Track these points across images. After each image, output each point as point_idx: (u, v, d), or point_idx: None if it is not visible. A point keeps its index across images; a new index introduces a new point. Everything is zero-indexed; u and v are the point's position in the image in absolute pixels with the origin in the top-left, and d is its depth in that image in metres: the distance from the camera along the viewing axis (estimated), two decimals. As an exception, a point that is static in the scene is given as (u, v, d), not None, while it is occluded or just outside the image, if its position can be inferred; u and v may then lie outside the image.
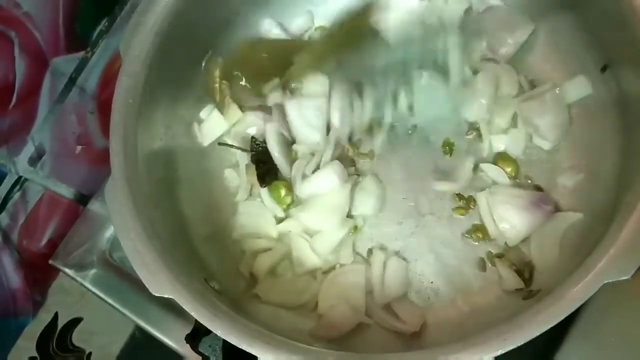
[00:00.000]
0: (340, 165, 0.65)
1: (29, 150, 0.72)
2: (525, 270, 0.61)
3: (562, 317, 0.47)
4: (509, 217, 0.62)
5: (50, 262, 0.77)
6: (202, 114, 0.70)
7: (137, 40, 0.60)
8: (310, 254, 0.64)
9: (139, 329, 0.75)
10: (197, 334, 0.64)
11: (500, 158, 0.66)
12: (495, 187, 0.65)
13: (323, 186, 0.64)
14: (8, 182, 0.72)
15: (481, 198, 0.64)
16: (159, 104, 0.63)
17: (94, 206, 0.78)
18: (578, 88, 0.64)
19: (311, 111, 0.67)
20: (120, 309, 0.74)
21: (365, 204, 0.66)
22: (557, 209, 0.62)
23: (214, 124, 0.70)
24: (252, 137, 0.68)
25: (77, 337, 0.80)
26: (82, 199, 0.82)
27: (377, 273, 0.63)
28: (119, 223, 0.55)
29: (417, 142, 0.68)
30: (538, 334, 0.46)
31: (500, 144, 0.66)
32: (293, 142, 0.68)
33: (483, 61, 0.68)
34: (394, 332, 0.61)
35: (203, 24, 0.67)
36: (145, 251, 0.53)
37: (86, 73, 0.77)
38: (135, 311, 0.73)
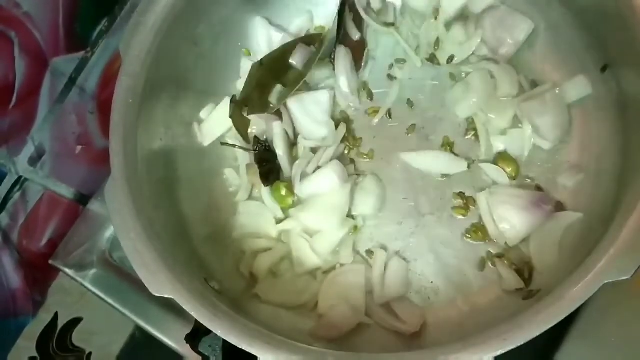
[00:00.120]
0: (340, 165, 0.65)
1: (29, 150, 0.72)
2: (525, 270, 0.61)
3: (562, 317, 0.47)
4: (509, 217, 0.62)
5: (50, 262, 0.77)
6: (202, 113, 0.70)
7: (137, 40, 0.60)
8: (310, 254, 0.64)
9: (139, 329, 0.75)
10: (197, 334, 0.64)
11: (500, 158, 0.66)
12: (495, 187, 0.65)
13: (323, 186, 0.64)
14: (8, 182, 0.72)
15: (481, 198, 0.64)
16: (159, 104, 0.63)
17: (94, 206, 0.79)
18: (578, 88, 0.64)
19: (314, 106, 0.67)
20: (120, 309, 0.74)
21: (366, 204, 0.66)
22: (557, 209, 0.62)
23: (214, 124, 0.70)
24: (255, 137, 0.68)
25: (77, 337, 0.79)
26: (82, 199, 0.82)
27: (377, 273, 0.63)
28: (119, 223, 0.55)
29: (416, 142, 0.68)
30: (538, 334, 0.46)
31: (500, 144, 0.66)
32: (295, 142, 0.68)
33: (483, 61, 0.68)
34: (394, 332, 0.60)
35: (203, 24, 0.67)
36: (145, 251, 0.53)
37: (86, 73, 0.77)
38: (135, 311, 0.73)
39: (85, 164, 0.81)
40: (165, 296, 0.52)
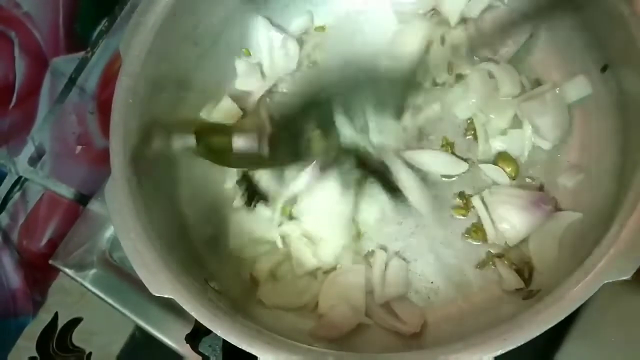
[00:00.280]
0: (339, 176, 0.64)
1: (29, 150, 0.72)
2: (525, 270, 0.61)
3: (562, 317, 0.47)
4: (509, 217, 0.62)
5: (50, 262, 0.77)
6: (202, 113, 0.70)
7: (137, 40, 0.60)
8: (310, 256, 0.64)
9: (139, 329, 0.75)
10: (197, 334, 0.64)
11: (500, 158, 0.66)
12: (495, 187, 0.65)
13: (324, 198, 0.64)
14: (8, 182, 0.72)
15: (476, 200, 0.64)
16: (159, 104, 0.63)
17: (94, 206, 0.79)
18: (578, 88, 0.64)
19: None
20: (120, 309, 0.74)
21: (370, 212, 0.65)
22: (557, 208, 0.62)
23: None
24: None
25: (77, 337, 0.79)
26: (82, 199, 0.82)
27: (377, 273, 0.63)
28: (119, 223, 0.55)
29: (416, 142, 0.68)
30: (538, 334, 0.46)
31: (500, 144, 0.66)
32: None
33: (483, 61, 0.68)
34: (394, 332, 0.60)
35: (203, 24, 0.67)
36: (145, 251, 0.53)
37: (86, 73, 0.77)
38: (135, 311, 0.73)
39: (85, 164, 0.81)
40: (165, 296, 0.52)
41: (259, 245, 0.66)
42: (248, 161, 0.63)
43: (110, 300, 0.74)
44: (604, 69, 0.62)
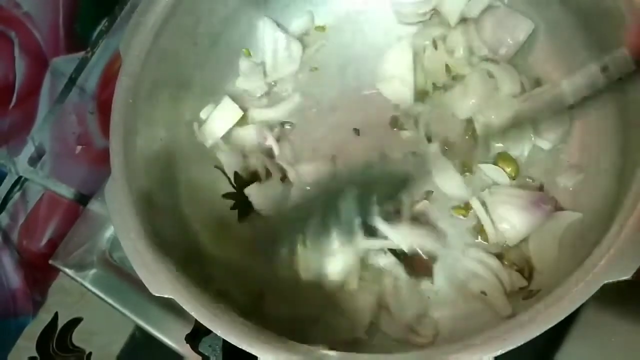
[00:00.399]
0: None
1: (29, 150, 0.72)
2: (525, 270, 0.61)
3: (562, 317, 0.47)
4: (509, 217, 0.62)
5: (50, 262, 0.77)
6: (202, 114, 0.70)
7: (137, 40, 0.60)
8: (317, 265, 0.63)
9: (139, 329, 0.75)
10: (197, 334, 0.64)
11: (500, 158, 0.66)
12: (495, 187, 0.65)
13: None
14: (8, 182, 0.72)
15: (481, 198, 0.64)
16: (159, 104, 0.63)
17: (94, 206, 0.79)
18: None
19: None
20: (120, 309, 0.74)
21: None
22: (557, 208, 0.62)
23: (215, 124, 0.70)
24: (236, 172, 0.68)
25: (77, 337, 0.80)
26: (82, 199, 0.82)
27: (390, 293, 0.62)
28: (119, 223, 0.55)
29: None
30: (538, 334, 0.46)
31: (500, 144, 0.66)
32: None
33: (483, 61, 0.68)
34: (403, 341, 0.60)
35: (203, 24, 0.67)
36: (145, 251, 0.53)
37: (86, 73, 0.77)
38: (135, 311, 0.73)
39: (85, 164, 0.81)
40: (165, 296, 0.52)
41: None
42: None
43: (110, 300, 0.74)
44: (604, 69, 0.62)
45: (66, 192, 0.81)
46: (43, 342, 0.80)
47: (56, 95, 0.74)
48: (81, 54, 0.75)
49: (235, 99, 0.71)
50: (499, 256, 0.63)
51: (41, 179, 0.76)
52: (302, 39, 0.74)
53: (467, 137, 0.68)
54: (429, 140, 0.68)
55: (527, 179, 0.65)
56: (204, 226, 0.66)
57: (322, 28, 0.74)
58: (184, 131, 0.68)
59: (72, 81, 0.75)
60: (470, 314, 0.61)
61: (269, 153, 0.70)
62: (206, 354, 0.63)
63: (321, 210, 0.63)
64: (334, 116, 0.71)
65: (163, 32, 0.61)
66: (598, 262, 0.48)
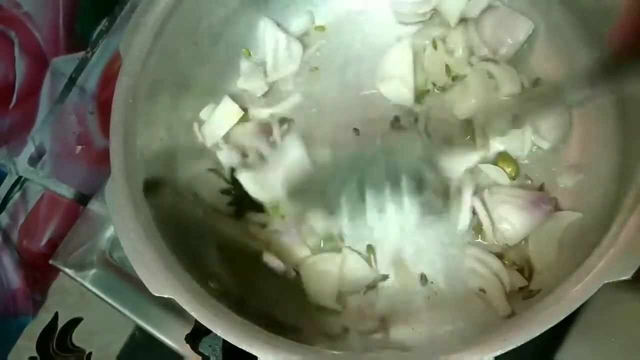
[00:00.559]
0: None
1: (29, 150, 0.72)
2: (525, 270, 0.61)
3: (562, 317, 0.47)
4: (509, 217, 0.62)
5: (50, 262, 0.77)
6: (203, 114, 0.70)
7: (137, 40, 0.60)
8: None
9: (139, 329, 0.75)
10: (197, 334, 0.64)
11: (500, 158, 0.66)
12: (495, 187, 0.65)
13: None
14: (8, 182, 0.72)
15: (481, 198, 0.64)
16: (159, 104, 0.63)
17: (94, 206, 0.79)
18: (578, 88, 0.64)
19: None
20: (120, 309, 0.74)
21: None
22: (557, 208, 0.62)
23: (216, 124, 0.70)
24: (232, 169, 0.68)
25: (77, 337, 0.80)
26: (82, 199, 0.82)
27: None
28: (119, 223, 0.55)
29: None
30: (538, 334, 0.46)
31: (500, 144, 0.66)
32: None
33: (483, 61, 0.68)
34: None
35: (203, 24, 0.67)
36: (145, 251, 0.53)
37: (86, 73, 0.77)
38: (135, 311, 0.73)
39: (85, 164, 0.81)
40: (165, 296, 0.52)
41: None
42: None
43: (110, 300, 0.74)
44: (603, 68, 0.62)
45: (66, 192, 0.81)
46: (43, 342, 0.80)
47: (56, 95, 0.74)
48: (81, 54, 0.75)
49: (235, 98, 0.71)
50: (499, 256, 0.63)
51: (41, 179, 0.76)
52: (302, 39, 0.74)
53: (467, 137, 0.68)
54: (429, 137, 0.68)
55: (527, 179, 0.65)
56: (203, 226, 0.66)
57: (322, 28, 0.74)
58: (184, 131, 0.68)
59: (72, 81, 0.75)
60: (470, 313, 0.61)
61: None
62: (206, 354, 0.63)
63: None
64: (334, 116, 0.71)
65: (163, 32, 0.61)
66: (598, 262, 0.48)
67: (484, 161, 0.66)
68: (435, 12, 0.71)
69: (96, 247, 0.77)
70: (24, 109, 0.70)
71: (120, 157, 0.57)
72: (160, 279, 0.52)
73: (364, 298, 0.64)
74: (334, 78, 0.72)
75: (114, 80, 0.60)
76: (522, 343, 0.46)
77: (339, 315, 0.63)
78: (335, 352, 0.51)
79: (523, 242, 0.62)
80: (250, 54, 0.73)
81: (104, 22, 0.77)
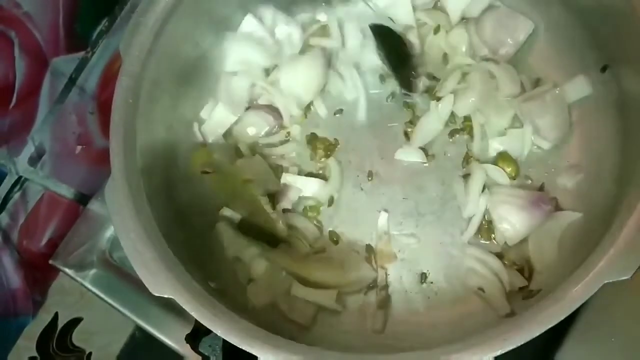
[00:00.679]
0: None
1: (29, 150, 0.72)
2: (525, 269, 0.61)
3: (562, 317, 0.47)
4: (509, 217, 0.62)
5: (50, 262, 0.77)
6: (203, 113, 0.70)
7: (137, 40, 0.60)
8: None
9: (139, 329, 0.75)
10: (197, 334, 0.64)
11: (500, 158, 0.66)
12: (495, 187, 0.65)
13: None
14: (8, 182, 0.72)
15: (481, 199, 0.64)
16: (159, 104, 0.63)
17: (94, 206, 0.79)
18: (578, 88, 0.64)
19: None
20: (120, 309, 0.74)
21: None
22: (557, 208, 0.62)
23: (216, 123, 0.70)
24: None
25: (77, 337, 0.80)
26: (82, 199, 0.82)
27: None
28: (119, 223, 0.55)
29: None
30: (538, 334, 0.46)
31: (500, 144, 0.66)
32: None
33: (483, 61, 0.68)
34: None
35: (203, 24, 0.67)
36: (145, 251, 0.53)
37: (86, 73, 0.77)
38: (135, 311, 0.73)
39: (85, 164, 0.81)
40: (165, 296, 0.52)
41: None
42: None
43: (110, 300, 0.74)
44: (603, 69, 0.62)
45: (66, 192, 0.81)
46: (43, 342, 0.80)
47: (56, 95, 0.74)
48: (81, 54, 0.75)
49: (235, 96, 0.70)
50: (499, 256, 0.63)
51: (41, 179, 0.76)
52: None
53: (466, 136, 0.68)
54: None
55: (527, 179, 0.65)
56: (203, 226, 0.66)
57: (323, 28, 0.74)
58: (184, 131, 0.68)
59: (72, 81, 0.75)
60: (470, 313, 0.61)
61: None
62: (206, 354, 0.63)
63: None
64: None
65: (163, 32, 0.61)
66: (598, 262, 0.48)
67: (484, 161, 0.66)
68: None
69: (96, 247, 0.77)
70: (24, 109, 0.70)
71: (120, 157, 0.57)
72: (160, 279, 0.52)
73: (364, 298, 0.64)
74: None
75: (114, 80, 0.60)
76: (522, 343, 0.46)
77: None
78: (335, 352, 0.51)
79: (523, 242, 0.62)
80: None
81: (104, 22, 0.77)
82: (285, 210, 0.66)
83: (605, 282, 0.47)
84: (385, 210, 0.66)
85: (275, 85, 0.70)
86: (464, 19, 0.70)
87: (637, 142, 0.56)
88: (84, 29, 0.75)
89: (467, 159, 0.67)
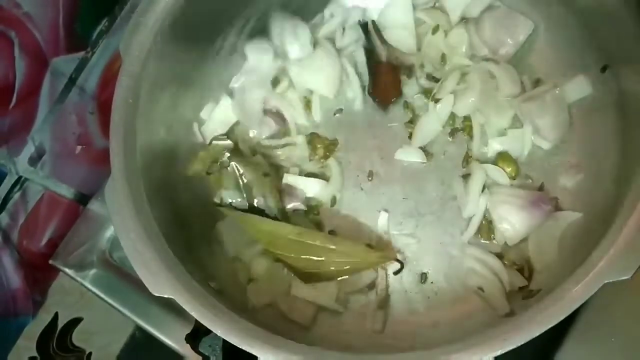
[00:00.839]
0: None
1: (29, 150, 0.72)
2: (525, 269, 0.61)
3: (562, 317, 0.47)
4: (509, 217, 0.62)
5: (50, 262, 0.77)
6: (203, 113, 0.70)
7: (137, 40, 0.60)
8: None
9: (139, 329, 0.75)
10: (197, 334, 0.64)
11: (500, 158, 0.66)
12: (495, 187, 0.65)
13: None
14: (8, 182, 0.72)
15: (481, 198, 0.64)
16: (159, 104, 0.63)
17: (94, 206, 0.78)
18: (578, 88, 0.64)
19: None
20: (120, 309, 0.74)
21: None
22: (557, 208, 0.63)
23: (215, 123, 0.70)
24: None
25: (77, 337, 0.80)
26: (82, 199, 0.82)
27: None
28: (119, 223, 0.55)
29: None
30: (538, 334, 0.46)
31: (500, 144, 0.66)
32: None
33: (483, 61, 0.68)
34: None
35: (203, 23, 0.67)
36: (145, 251, 0.53)
37: (86, 73, 0.77)
38: (135, 311, 0.73)
39: (85, 164, 0.81)
40: (165, 296, 0.52)
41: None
42: None
43: (110, 300, 0.74)
44: (604, 69, 0.62)
45: (66, 192, 0.81)
46: (43, 342, 0.80)
47: (56, 95, 0.74)
48: (81, 54, 0.75)
49: (249, 111, 0.70)
50: (499, 256, 0.63)
51: (41, 179, 0.76)
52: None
53: (466, 136, 0.68)
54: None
55: (527, 179, 0.65)
56: (203, 226, 0.66)
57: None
58: (184, 131, 0.68)
59: (72, 81, 0.75)
60: (470, 313, 0.61)
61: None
62: (206, 354, 0.63)
63: None
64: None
65: (163, 32, 0.61)
66: (598, 262, 0.48)
67: (484, 161, 0.66)
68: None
69: (96, 247, 0.77)
70: (24, 109, 0.70)
71: (120, 157, 0.57)
72: (160, 279, 0.52)
73: (364, 298, 0.64)
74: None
75: (114, 80, 0.60)
76: (522, 343, 0.46)
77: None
78: (335, 352, 0.51)
79: (523, 242, 0.62)
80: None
81: (104, 22, 0.77)
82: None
83: (605, 282, 0.47)
84: (386, 210, 0.66)
85: (285, 94, 0.70)
86: (464, 19, 0.70)
87: (637, 142, 0.56)
88: (84, 29, 0.75)
89: (467, 159, 0.67)
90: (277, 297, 0.63)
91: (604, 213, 0.55)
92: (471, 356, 0.47)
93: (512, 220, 0.62)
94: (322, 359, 0.50)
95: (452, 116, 0.68)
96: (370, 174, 0.68)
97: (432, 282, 0.64)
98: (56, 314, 0.81)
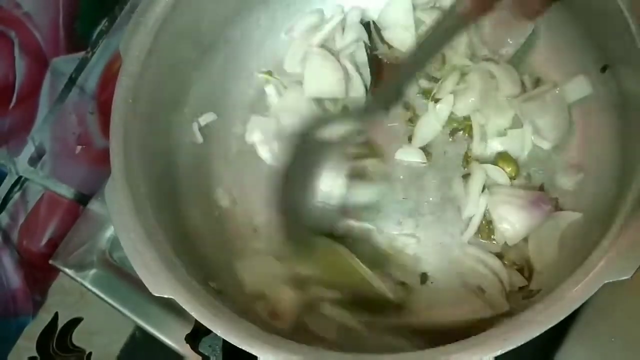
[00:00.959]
0: None
1: (29, 150, 0.72)
2: (525, 269, 0.61)
3: (562, 317, 0.47)
4: (508, 217, 0.62)
5: (50, 262, 0.77)
6: (202, 120, 0.70)
7: (137, 40, 0.60)
8: None
9: (139, 329, 0.75)
10: (197, 334, 0.64)
11: (500, 158, 0.66)
12: (495, 187, 0.65)
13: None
14: (8, 182, 0.72)
15: (481, 199, 0.64)
16: (159, 104, 0.63)
17: (94, 206, 0.78)
18: (578, 88, 0.64)
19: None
20: (120, 309, 0.74)
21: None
22: (557, 208, 0.63)
23: (218, 124, 0.70)
24: None
25: (77, 337, 0.80)
26: (82, 199, 0.82)
27: None
28: (119, 223, 0.55)
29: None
30: (538, 334, 0.46)
31: (499, 144, 0.66)
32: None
33: (483, 61, 0.68)
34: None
35: (204, 24, 0.67)
36: (145, 251, 0.53)
37: (86, 73, 0.77)
38: (135, 311, 0.73)
39: (85, 164, 0.81)
40: (166, 296, 0.52)
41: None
42: None
43: (110, 300, 0.74)
44: (604, 69, 0.62)
45: (66, 192, 0.81)
46: (43, 342, 0.80)
47: (56, 95, 0.74)
48: (81, 54, 0.75)
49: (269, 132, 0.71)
50: (499, 256, 0.63)
51: (41, 179, 0.76)
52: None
53: (466, 136, 0.68)
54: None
55: (527, 179, 0.65)
56: (203, 226, 0.66)
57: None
58: (184, 131, 0.68)
59: (72, 81, 0.75)
60: (470, 313, 0.61)
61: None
62: (206, 354, 0.63)
63: None
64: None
65: (163, 32, 0.61)
66: (598, 262, 0.48)
67: (484, 161, 0.66)
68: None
69: (96, 247, 0.77)
70: (24, 109, 0.70)
71: (120, 157, 0.57)
72: (160, 279, 0.52)
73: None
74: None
75: (114, 80, 0.60)
76: (522, 343, 0.46)
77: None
78: (335, 352, 0.51)
79: (523, 242, 0.62)
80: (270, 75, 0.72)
81: (104, 22, 0.77)
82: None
83: (605, 282, 0.47)
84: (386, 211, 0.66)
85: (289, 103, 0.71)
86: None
87: (637, 142, 0.56)
88: (84, 29, 0.75)
89: (467, 159, 0.67)
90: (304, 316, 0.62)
91: (604, 213, 0.55)
92: (471, 356, 0.47)
93: (512, 220, 0.62)
94: (322, 359, 0.50)
95: (453, 116, 0.67)
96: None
97: (432, 282, 0.64)
98: (56, 314, 0.81)
